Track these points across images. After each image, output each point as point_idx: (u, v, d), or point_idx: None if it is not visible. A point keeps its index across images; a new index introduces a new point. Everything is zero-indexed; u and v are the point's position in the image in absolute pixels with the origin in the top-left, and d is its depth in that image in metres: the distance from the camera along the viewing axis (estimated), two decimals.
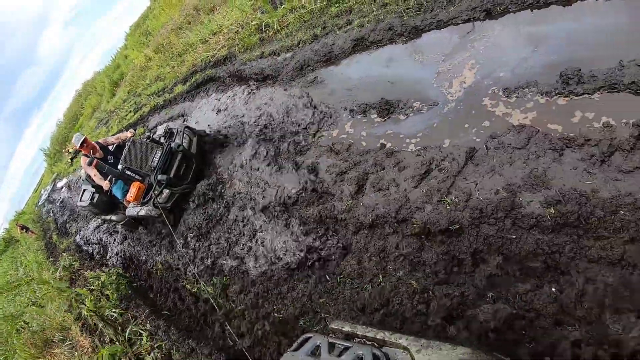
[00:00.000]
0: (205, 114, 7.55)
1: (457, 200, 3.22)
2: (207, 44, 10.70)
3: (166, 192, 5.64)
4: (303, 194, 4.28)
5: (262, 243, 4.43)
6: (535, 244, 2.84)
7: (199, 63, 9.90)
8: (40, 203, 21.02)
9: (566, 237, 2.79)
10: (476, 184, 3.26)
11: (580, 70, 3.70)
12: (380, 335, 2.17)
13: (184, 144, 5.90)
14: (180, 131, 6.15)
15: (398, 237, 3.34)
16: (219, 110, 7.15)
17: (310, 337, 2.19)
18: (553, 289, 2.67)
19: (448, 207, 3.20)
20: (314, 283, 3.60)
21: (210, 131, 6.81)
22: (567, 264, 2.70)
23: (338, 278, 3.48)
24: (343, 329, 2.31)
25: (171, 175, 5.67)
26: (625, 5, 4.07)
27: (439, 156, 3.56)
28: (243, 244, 4.66)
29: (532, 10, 4.70)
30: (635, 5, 3.99)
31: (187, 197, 5.85)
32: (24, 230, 16.07)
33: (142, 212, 5.68)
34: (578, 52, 3.91)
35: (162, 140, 6.19)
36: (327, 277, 3.59)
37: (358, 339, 2.23)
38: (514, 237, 2.93)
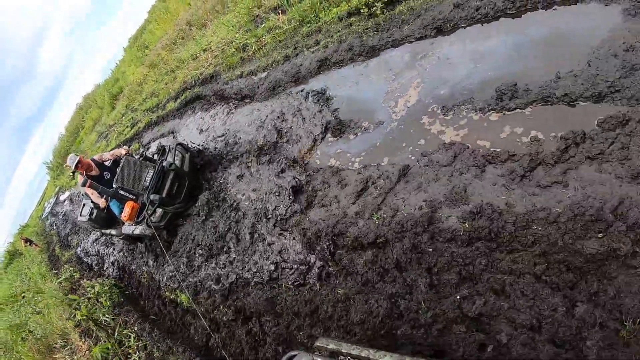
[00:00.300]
0: (191, 133, 8.17)
1: (385, 215, 3.69)
2: (197, 61, 11.33)
3: (159, 211, 5.90)
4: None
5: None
6: (451, 257, 3.17)
7: (189, 80, 10.55)
8: (43, 216, 21.87)
9: (478, 251, 3.09)
10: (404, 200, 3.72)
11: (516, 84, 3.93)
12: (364, 353, 2.25)
13: (176, 162, 6.07)
14: (173, 148, 6.31)
15: (335, 249, 3.86)
16: (201, 130, 7.77)
17: (295, 355, 2.26)
18: (458, 297, 3.03)
19: (377, 222, 3.68)
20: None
21: (200, 148, 7.08)
22: (478, 276, 3.02)
23: (283, 286, 4.06)
24: (328, 347, 2.40)
25: (163, 194, 5.83)
26: (571, 15, 4.31)
27: (375, 174, 4.06)
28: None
29: (482, 25, 4.96)
30: (580, 14, 4.25)
31: (184, 213, 6.15)
32: (28, 243, 16.87)
33: (137, 231, 6.01)
34: (519, 66, 4.14)
35: (155, 157, 6.36)
36: (274, 285, 4.17)
37: (342, 357, 2.30)
38: (431, 250, 3.31)
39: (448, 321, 2.98)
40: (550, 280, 2.77)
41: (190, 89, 10.00)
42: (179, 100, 10.03)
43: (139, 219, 5.85)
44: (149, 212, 5.73)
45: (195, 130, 8.04)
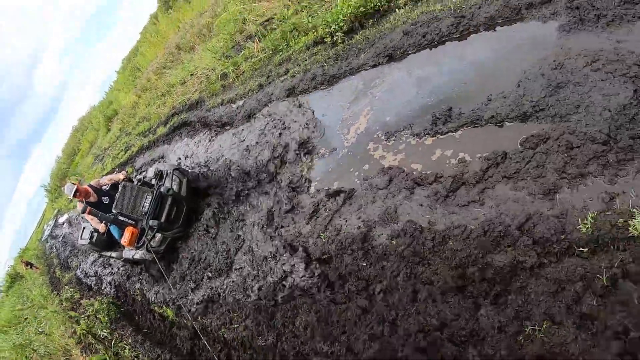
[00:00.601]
0: (178, 159, 8.95)
1: (329, 235, 4.39)
2: (185, 86, 12.12)
3: (159, 236, 6.16)
4: None
5: None
6: (382, 270, 3.73)
7: (178, 105, 11.33)
8: (43, 239, 22.56)
9: (403, 264, 3.62)
10: (346, 221, 4.40)
11: (450, 109, 4.42)
12: None
13: (173, 187, 6.36)
14: (170, 173, 6.56)
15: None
16: (187, 156, 8.56)
17: None
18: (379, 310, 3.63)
19: (324, 241, 4.38)
20: None
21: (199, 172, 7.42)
22: (402, 286, 3.54)
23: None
24: None
25: (162, 219, 6.13)
26: (511, 34, 4.83)
27: (326, 197, 4.80)
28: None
29: (429, 50, 5.54)
30: (520, 33, 4.75)
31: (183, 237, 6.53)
32: (29, 266, 17.53)
33: (137, 256, 6.28)
34: (457, 90, 4.63)
35: (153, 182, 6.64)
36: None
37: None
38: (365, 264, 3.90)
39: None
40: (463, 289, 3.22)
41: (178, 115, 10.80)
42: (167, 126, 10.82)
43: (139, 244, 6.14)
44: (148, 237, 6.04)
45: (182, 156, 8.85)
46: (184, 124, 9.92)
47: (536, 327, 2.80)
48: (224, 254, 5.58)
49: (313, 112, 6.37)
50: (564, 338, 2.68)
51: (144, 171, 9.55)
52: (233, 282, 5.26)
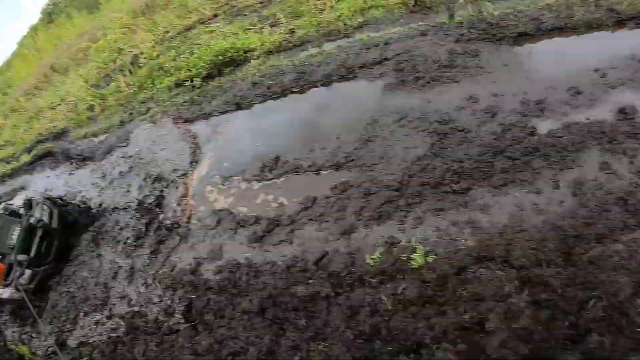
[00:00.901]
0: (39, 191, 8.74)
1: (165, 270, 4.87)
2: (54, 111, 11.75)
3: (28, 272, 5.66)
4: None
5: None
6: (207, 301, 4.24)
7: (44, 132, 10.89)
8: None
9: (225, 296, 4.17)
10: (180, 258, 4.91)
11: (278, 158, 5.04)
12: None
13: (44, 219, 5.97)
14: (40, 203, 6.15)
15: None
16: (46, 189, 8.28)
17: None
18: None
19: (161, 276, 4.85)
20: None
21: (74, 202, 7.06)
22: (224, 314, 4.10)
23: None
24: None
25: (32, 254, 5.71)
26: (344, 91, 5.55)
27: (165, 235, 5.30)
28: None
29: (274, 100, 6.15)
30: (351, 90, 5.45)
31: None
32: None
33: (5, 295, 5.59)
34: (289, 141, 5.21)
35: (21, 211, 6.07)
36: None
37: None
38: (194, 296, 4.41)
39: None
40: (271, 317, 3.78)
41: (43, 143, 10.38)
42: (31, 154, 10.33)
43: (7, 282, 5.57)
44: (16, 274, 5.52)
45: (42, 188, 8.64)
46: (48, 154, 9.65)
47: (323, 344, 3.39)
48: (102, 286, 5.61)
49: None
50: (340, 350, 3.35)
51: (3, 201, 9.07)
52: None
